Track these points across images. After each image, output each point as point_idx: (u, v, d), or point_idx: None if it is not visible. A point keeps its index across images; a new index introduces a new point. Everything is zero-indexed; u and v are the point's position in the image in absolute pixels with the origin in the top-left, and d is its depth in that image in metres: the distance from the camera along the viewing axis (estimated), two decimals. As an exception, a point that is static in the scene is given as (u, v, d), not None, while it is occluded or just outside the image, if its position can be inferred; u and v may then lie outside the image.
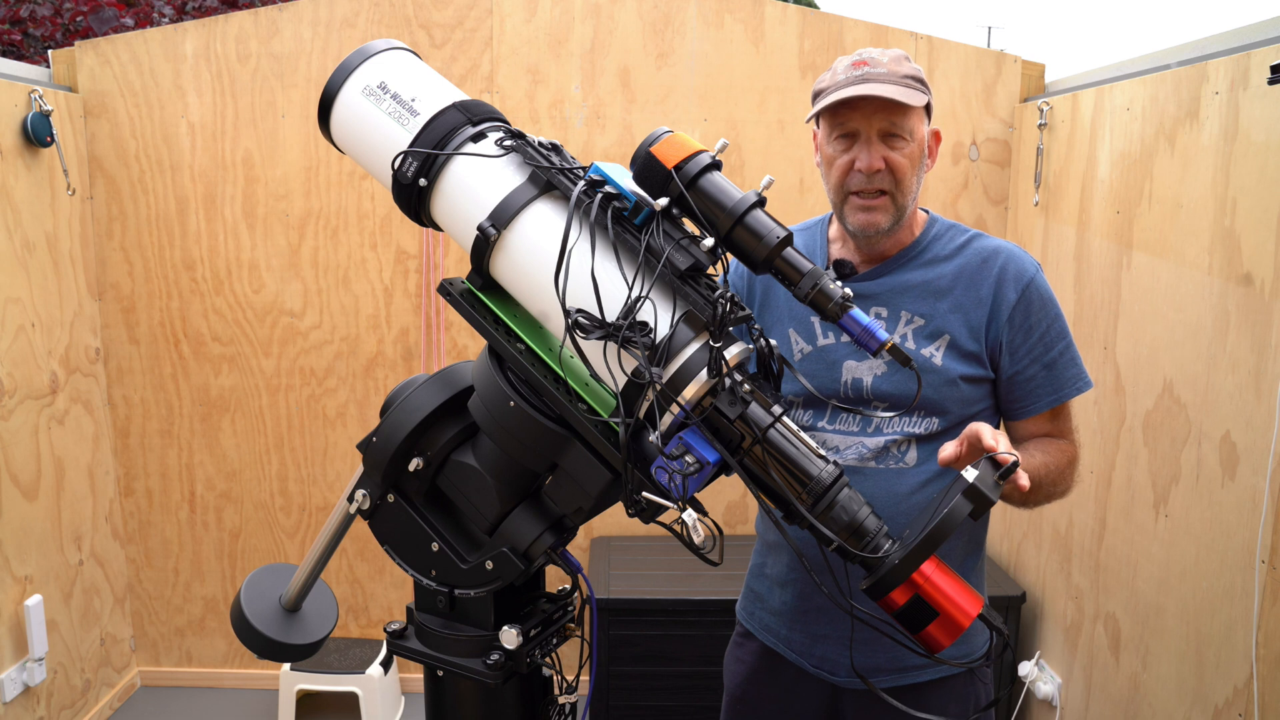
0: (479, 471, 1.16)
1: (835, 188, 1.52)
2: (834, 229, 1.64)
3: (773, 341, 1.14)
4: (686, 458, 1.00)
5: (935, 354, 1.52)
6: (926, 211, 1.62)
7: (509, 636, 1.14)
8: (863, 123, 1.47)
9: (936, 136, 1.58)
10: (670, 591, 2.82)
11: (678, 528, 1.02)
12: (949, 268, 1.55)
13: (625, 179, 1.08)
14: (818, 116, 1.53)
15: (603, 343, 1.02)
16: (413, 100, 1.13)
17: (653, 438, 1.02)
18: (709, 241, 1.04)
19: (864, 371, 1.53)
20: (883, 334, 1.05)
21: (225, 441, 3.21)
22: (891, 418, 1.52)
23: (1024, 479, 1.19)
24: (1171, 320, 2.16)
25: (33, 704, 2.76)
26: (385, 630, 1.24)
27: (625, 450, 1.02)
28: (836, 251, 1.61)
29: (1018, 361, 1.53)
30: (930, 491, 1.50)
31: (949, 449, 1.23)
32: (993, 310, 1.52)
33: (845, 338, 1.55)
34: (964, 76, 3.00)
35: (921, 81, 1.49)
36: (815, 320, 1.57)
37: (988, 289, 1.52)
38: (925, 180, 1.57)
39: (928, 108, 1.51)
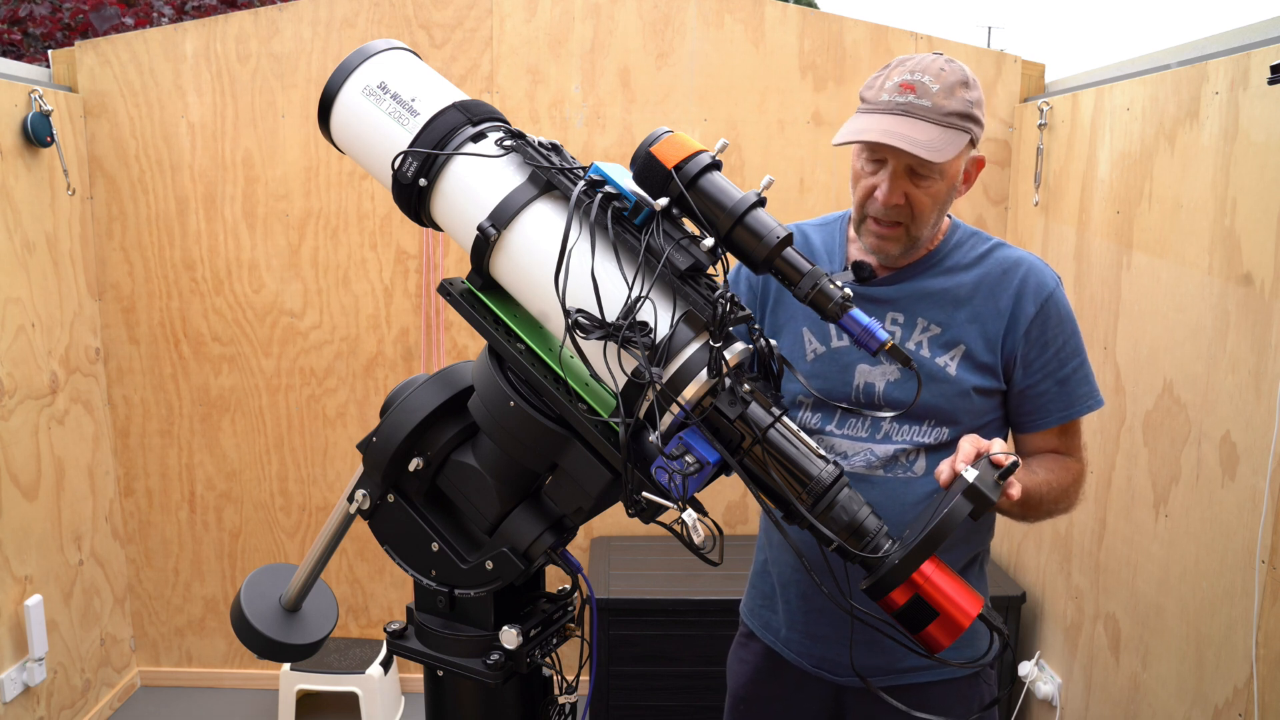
0: (479, 471, 1.16)
1: (856, 205, 1.50)
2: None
3: (773, 342, 1.14)
4: (686, 458, 1.00)
5: (950, 364, 1.49)
6: (950, 217, 1.58)
7: (509, 636, 1.14)
8: (890, 154, 1.42)
9: (979, 164, 1.51)
10: (670, 591, 2.82)
11: (678, 528, 1.02)
12: (969, 277, 1.52)
13: (625, 179, 1.08)
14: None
15: (603, 343, 1.03)
16: (413, 100, 1.13)
17: (653, 438, 1.02)
18: (709, 241, 1.04)
19: (877, 376, 1.51)
20: (882, 334, 1.05)
21: (225, 441, 3.21)
22: (901, 426, 1.50)
23: (1014, 488, 1.18)
24: (1171, 320, 2.16)
25: (33, 704, 2.76)
26: (385, 630, 1.24)
27: (625, 450, 1.02)
28: (856, 252, 1.58)
29: (1031, 375, 1.51)
30: (923, 496, 1.49)
31: (945, 471, 1.21)
32: (1010, 322, 1.49)
33: None
34: (964, 76, 2.99)
35: (969, 117, 1.41)
36: None
37: (1007, 300, 1.50)
38: None
39: (973, 140, 1.44)
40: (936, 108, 1.39)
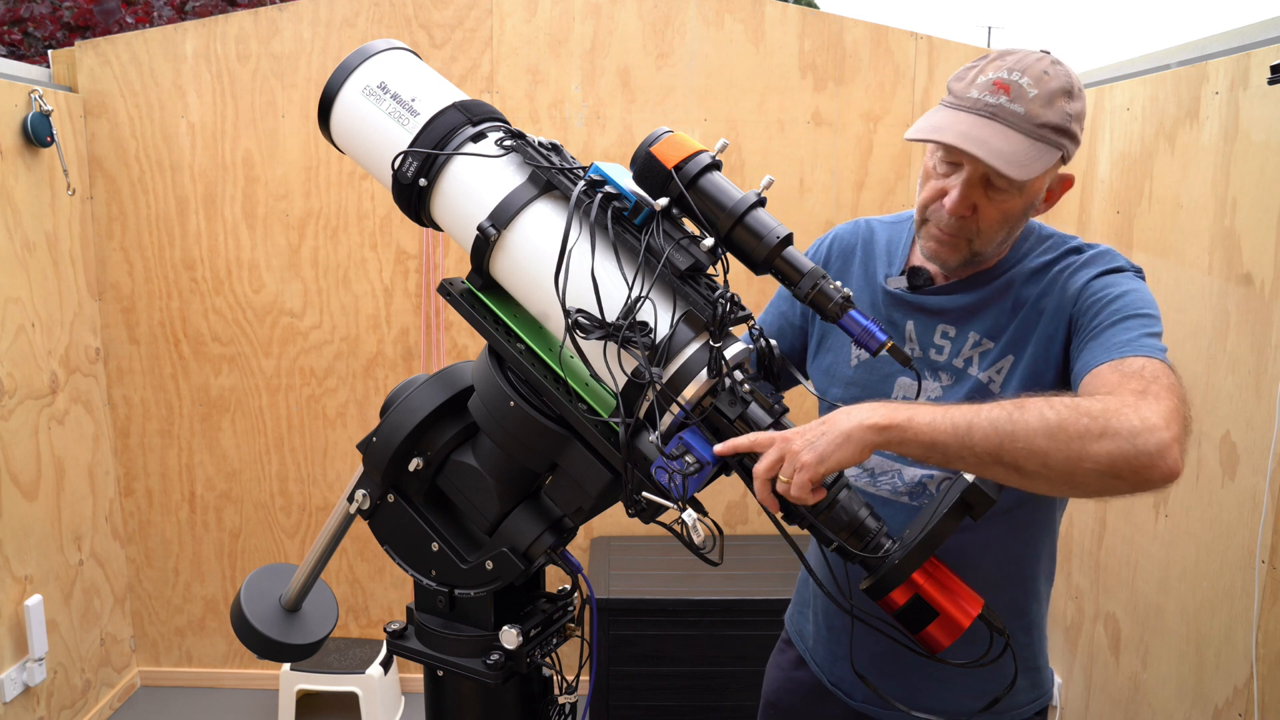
0: (479, 471, 1.16)
1: (920, 206, 1.34)
2: None
3: (773, 342, 1.14)
4: (686, 458, 1.01)
5: (995, 378, 1.34)
6: None
7: (509, 636, 1.14)
8: (968, 160, 1.25)
9: (1066, 183, 1.34)
10: (670, 591, 2.82)
11: (678, 528, 1.02)
12: (1032, 287, 1.34)
13: (625, 179, 1.08)
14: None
15: (603, 343, 1.03)
16: (413, 100, 1.13)
17: (652, 438, 1.02)
18: (709, 241, 1.04)
19: (917, 393, 1.36)
20: (882, 334, 1.05)
21: (225, 441, 3.21)
22: None
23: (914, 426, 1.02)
24: (1171, 320, 2.16)
25: (33, 704, 2.76)
26: (385, 630, 1.25)
27: (625, 450, 1.02)
28: (919, 256, 1.42)
29: (1075, 343, 1.28)
30: (968, 538, 1.26)
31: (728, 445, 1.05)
32: (1058, 324, 1.31)
33: None
34: (964, 76, 2.99)
35: (1065, 132, 1.23)
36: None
37: (1058, 295, 1.32)
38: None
39: (1064, 157, 1.27)
40: (1029, 116, 1.21)
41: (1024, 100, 1.21)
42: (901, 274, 1.43)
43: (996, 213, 1.28)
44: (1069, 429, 1.01)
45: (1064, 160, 1.27)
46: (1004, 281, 1.36)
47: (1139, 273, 1.31)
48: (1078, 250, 1.35)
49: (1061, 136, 1.23)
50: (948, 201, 1.28)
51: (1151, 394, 1.06)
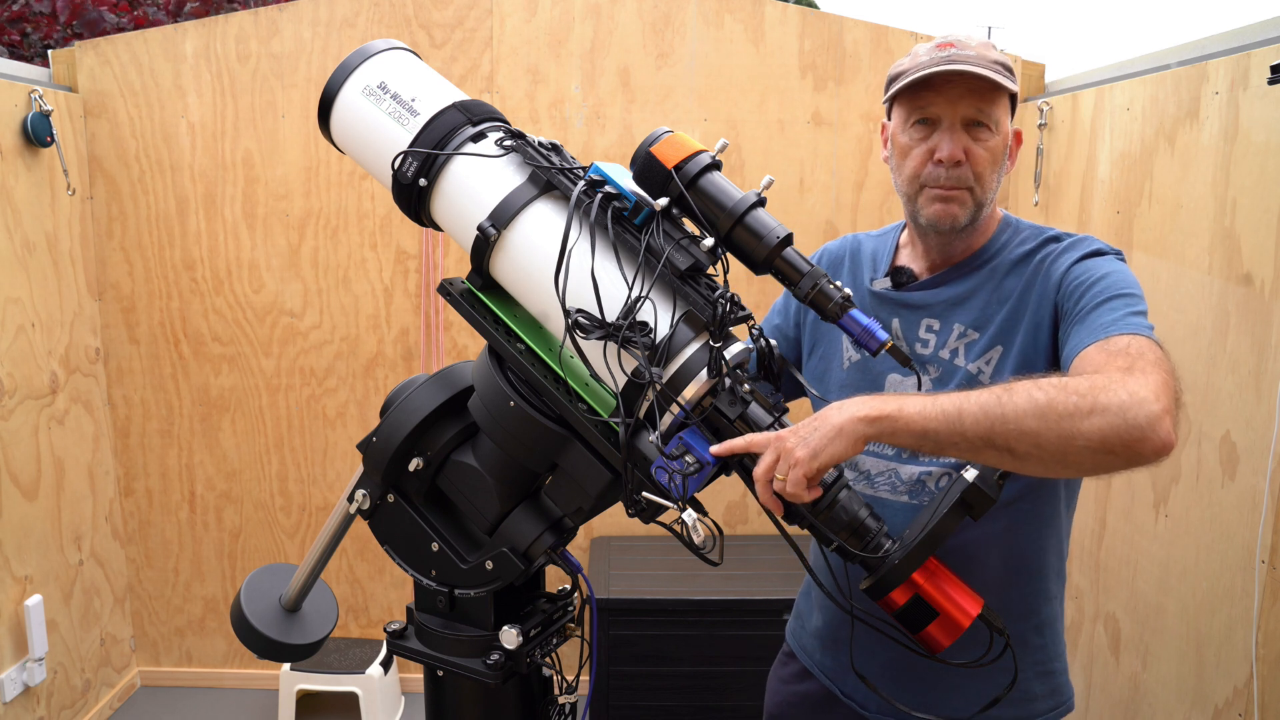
0: (479, 471, 1.16)
1: (909, 179, 1.37)
2: (906, 234, 1.51)
3: (773, 341, 1.15)
4: (686, 458, 1.01)
5: (985, 369, 1.36)
6: (1003, 212, 1.47)
7: (509, 636, 1.14)
8: (946, 108, 1.32)
9: (1018, 138, 1.42)
10: (670, 591, 2.82)
11: (678, 528, 1.02)
12: (1013, 276, 1.37)
13: (625, 179, 1.08)
14: (892, 102, 1.38)
15: (603, 343, 1.03)
16: (413, 100, 1.13)
17: (652, 438, 1.02)
18: (709, 241, 1.04)
19: (908, 389, 1.38)
20: (882, 334, 1.05)
21: (225, 441, 3.21)
22: None
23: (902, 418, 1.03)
24: (1171, 320, 2.16)
25: (33, 704, 2.76)
26: (385, 630, 1.25)
27: (625, 450, 1.02)
28: (904, 258, 1.48)
29: (1062, 321, 1.30)
30: (972, 534, 1.28)
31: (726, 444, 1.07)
32: (1043, 310, 1.33)
33: None
34: (964, 76, 2.99)
35: (1010, 71, 1.34)
36: None
37: (1040, 288, 1.34)
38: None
39: (1012, 101, 1.36)
40: (981, 56, 1.31)
41: (968, 48, 1.32)
42: (886, 275, 1.47)
43: (986, 153, 1.34)
44: (1058, 408, 1.01)
45: (1013, 105, 1.37)
46: (985, 273, 1.40)
47: (1119, 255, 1.34)
48: (1056, 239, 1.38)
49: (1010, 74, 1.33)
50: (943, 148, 1.32)
51: (1138, 369, 1.06)
